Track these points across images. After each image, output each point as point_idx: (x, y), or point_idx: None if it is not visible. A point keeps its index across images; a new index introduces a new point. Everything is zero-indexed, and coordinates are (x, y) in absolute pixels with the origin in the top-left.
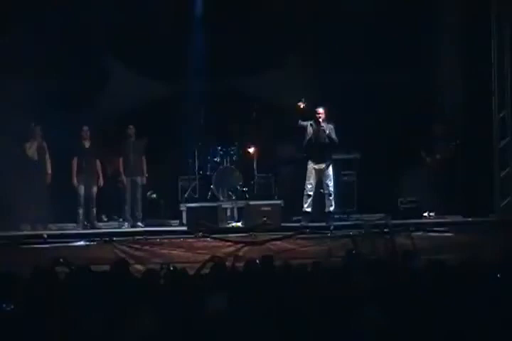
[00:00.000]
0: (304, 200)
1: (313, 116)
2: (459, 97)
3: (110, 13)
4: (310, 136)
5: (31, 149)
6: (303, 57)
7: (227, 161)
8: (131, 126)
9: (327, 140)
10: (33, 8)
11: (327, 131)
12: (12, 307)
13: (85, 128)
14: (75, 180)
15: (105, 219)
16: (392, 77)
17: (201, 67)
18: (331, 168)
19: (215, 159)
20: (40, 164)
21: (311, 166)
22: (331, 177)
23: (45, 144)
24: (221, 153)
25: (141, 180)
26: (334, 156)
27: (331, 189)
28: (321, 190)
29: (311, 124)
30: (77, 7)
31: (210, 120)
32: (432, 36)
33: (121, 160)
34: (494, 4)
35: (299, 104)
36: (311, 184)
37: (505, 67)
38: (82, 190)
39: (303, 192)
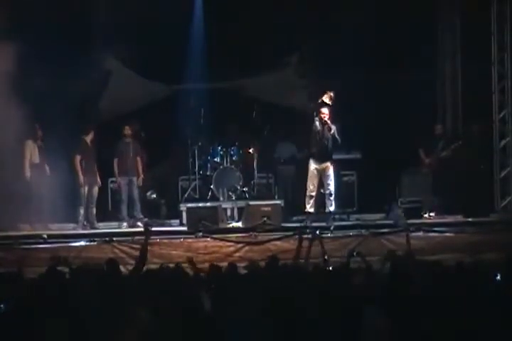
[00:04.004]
0: (307, 201)
1: (317, 115)
2: (458, 97)
3: (110, 12)
4: (315, 132)
5: (34, 152)
6: (303, 57)
7: (227, 161)
8: (126, 127)
9: (330, 140)
10: (33, 8)
11: (332, 131)
12: (11, 307)
13: (92, 127)
14: (81, 179)
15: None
16: (392, 76)
17: (201, 67)
18: (332, 168)
19: (215, 159)
20: (41, 165)
21: (313, 166)
22: (332, 177)
23: (42, 145)
24: (221, 153)
25: (137, 180)
26: (335, 156)
27: (332, 188)
28: (322, 190)
29: (317, 121)
30: (77, 7)
31: (210, 120)
32: (432, 36)
33: (116, 160)
34: (494, 4)
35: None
36: (313, 185)
37: (505, 66)
38: (85, 189)
39: (303, 192)
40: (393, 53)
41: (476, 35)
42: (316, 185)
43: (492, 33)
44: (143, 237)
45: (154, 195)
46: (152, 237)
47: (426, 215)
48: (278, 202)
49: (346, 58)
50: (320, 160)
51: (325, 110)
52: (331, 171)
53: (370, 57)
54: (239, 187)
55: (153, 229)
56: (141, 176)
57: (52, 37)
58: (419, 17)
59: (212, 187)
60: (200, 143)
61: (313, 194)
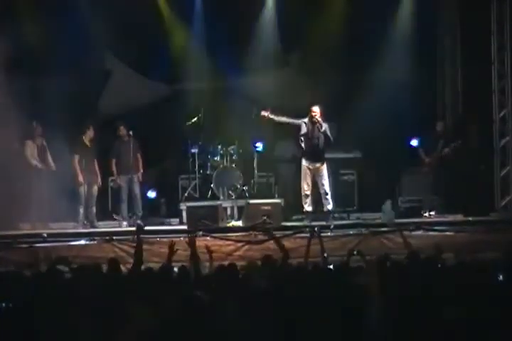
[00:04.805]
0: (303, 200)
1: (308, 114)
2: (458, 97)
3: (110, 12)
4: (304, 133)
5: (34, 152)
6: (303, 57)
7: (227, 160)
8: (121, 127)
9: (322, 138)
10: (33, 8)
11: (322, 129)
12: (12, 306)
13: (91, 127)
14: (80, 179)
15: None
16: (392, 76)
17: (201, 66)
18: (325, 167)
19: (215, 158)
20: (41, 164)
21: (306, 166)
22: (326, 176)
23: (45, 143)
24: (221, 152)
25: (137, 177)
26: (334, 155)
27: (327, 188)
28: (320, 190)
29: (304, 123)
30: (77, 6)
31: (210, 120)
32: (432, 36)
33: (114, 160)
34: (494, 4)
35: (263, 114)
36: (307, 184)
37: (505, 66)
38: (85, 189)
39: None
40: (393, 53)
41: (476, 35)
42: (310, 184)
43: (492, 33)
44: (143, 236)
45: (154, 194)
46: (149, 236)
47: (426, 214)
48: (278, 201)
49: (346, 58)
50: (312, 159)
51: (316, 109)
52: (324, 171)
53: (370, 57)
54: (239, 186)
55: (146, 228)
56: (141, 171)
57: (52, 36)
58: (419, 17)
59: (212, 186)
60: (200, 143)
61: (308, 193)
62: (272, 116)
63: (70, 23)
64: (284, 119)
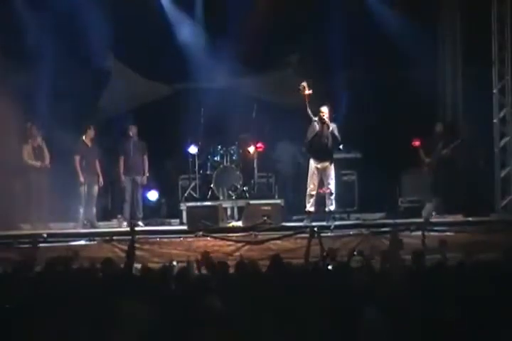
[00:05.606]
0: (307, 200)
1: (317, 114)
2: (459, 97)
3: (111, 12)
4: (315, 132)
5: (30, 156)
6: (303, 57)
7: (227, 161)
8: (132, 126)
9: (330, 138)
10: (33, 8)
11: (330, 128)
12: (13, 306)
13: (92, 127)
14: (81, 179)
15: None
16: (392, 76)
17: (201, 66)
18: (332, 167)
19: (215, 158)
20: (39, 163)
21: (314, 165)
22: (333, 176)
23: (43, 143)
24: (221, 152)
25: (141, 179)
26: (335, 156)
27: (332, 188)
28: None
29: (315, 121)
30: (77, 6)
31: (210, 119)
32: (432, 36)
33: (121, 159)
34: (494, 4)
35: (304, 84)
36: (313, 184)
37: (505, 66)
38: (85, 189)
39: (303, 191)
40: (393, 53)
41: (476, 35)
42: (316, 184)
43: (492, 33)
44: (143, 236)
45: (156, 195)
46: (149, 236)
47: None
48: (278, 201)
49: (346, 58)
50: (320, 159)
51: (324, 109)
52: (331, 170)
53: (371, 57)
54: (239, 187)
55: (146, 228)
56: (147, 174)
57: (53, 36)
58: (419, 17)
59: (212, 186)
60: (200, 143)
61: (314, 193)
62: (309, 92)
63: (70, 23)
64: (308, 104)
